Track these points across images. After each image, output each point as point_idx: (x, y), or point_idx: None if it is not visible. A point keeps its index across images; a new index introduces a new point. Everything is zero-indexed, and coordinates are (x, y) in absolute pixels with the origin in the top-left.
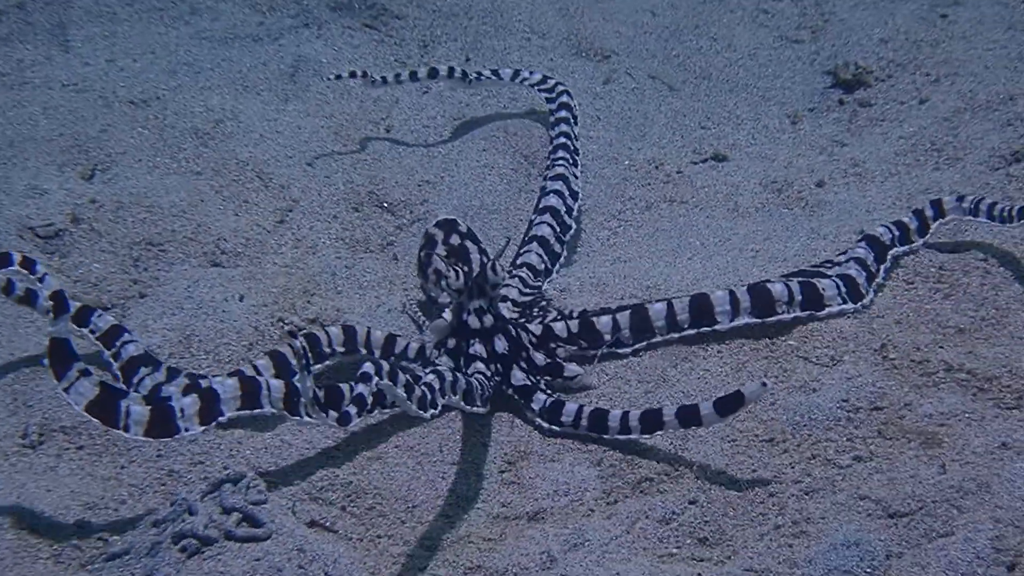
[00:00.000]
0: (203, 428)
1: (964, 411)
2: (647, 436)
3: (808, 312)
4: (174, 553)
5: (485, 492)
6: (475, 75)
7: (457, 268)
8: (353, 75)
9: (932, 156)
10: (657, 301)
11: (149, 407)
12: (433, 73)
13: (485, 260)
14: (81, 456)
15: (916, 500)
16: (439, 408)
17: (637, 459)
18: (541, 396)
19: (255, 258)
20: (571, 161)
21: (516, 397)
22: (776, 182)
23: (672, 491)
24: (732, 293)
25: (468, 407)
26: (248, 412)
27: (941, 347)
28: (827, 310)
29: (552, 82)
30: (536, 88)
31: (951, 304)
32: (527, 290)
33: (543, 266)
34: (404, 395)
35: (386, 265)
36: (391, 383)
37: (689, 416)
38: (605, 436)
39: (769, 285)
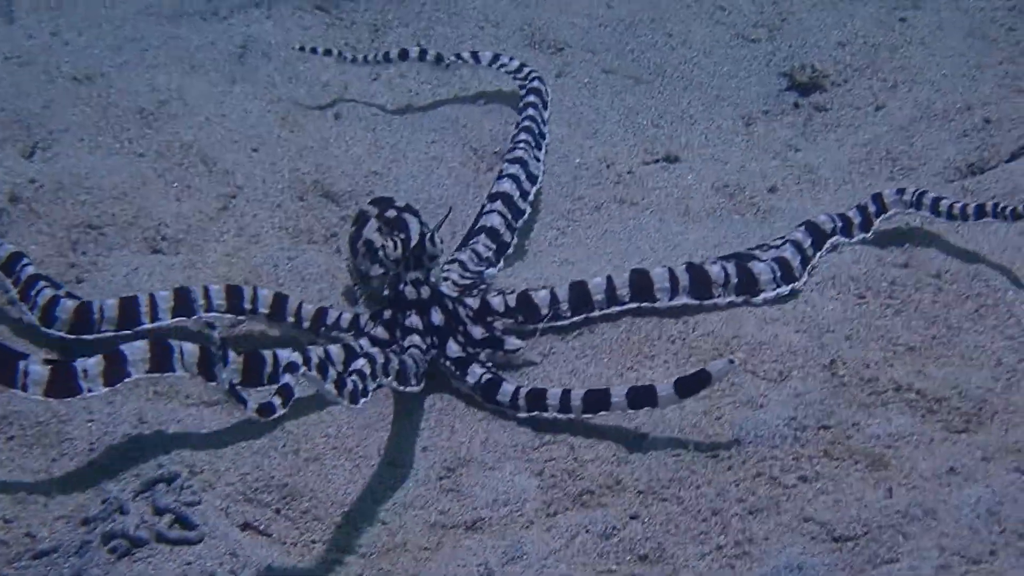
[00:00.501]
0: (108, 389)
1: (912, 433)
2: (589, 415)
3: (743, 297)
4: (103, 553)
5: (423, 499)
6: (452, 57)
7: (394, 238)
8: (328, 53)
9: (887, 165)
10: (596, 276)
11: (49, 367)
12: (404, 54)
13: (424, 230)
14: (11, 447)
15: (861, 524)
16: (369, 396)
17: (579, 470)
18: (477, 370)
19: (196, 246)
20: (533, 144)
21: (453, 368)
22: (728, 186)
23: (614, 505)
24: (671, 271)
25: (401, 387)
26: (159, 375)
27: (891, 365)
28: (762, 295)
29: (527, 69)
30: (512, 75)
31: (902, 321)
32: (467, 274)
33: (488, 254)
34: (333, 391)
35: (329, 257)
36: (319, 376)
37: (641, 396)
38: (544, 415)
39: (708, 266)
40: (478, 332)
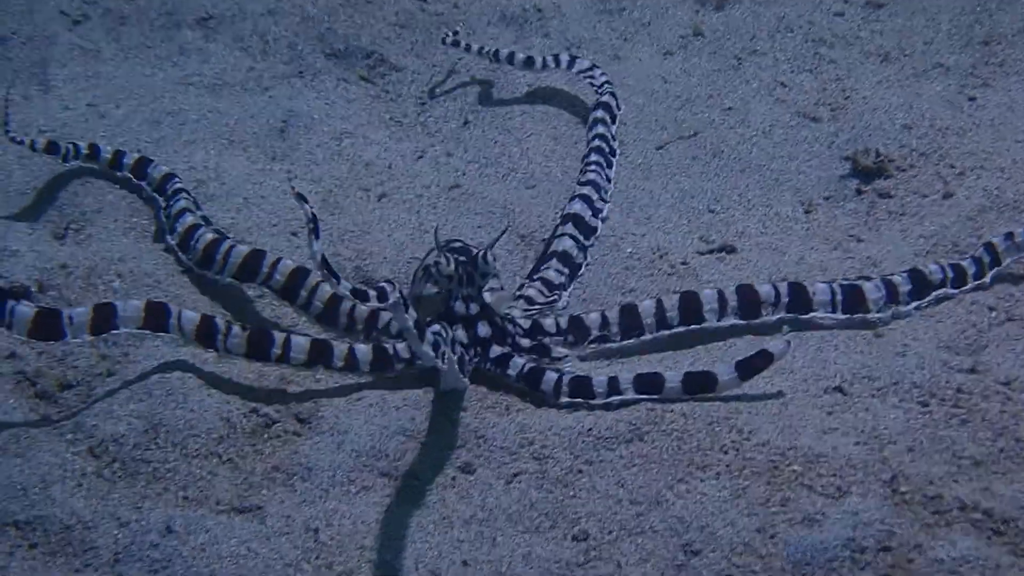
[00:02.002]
0: (93, 337)
1: (977, 557)
2: (643, 396)
3: (792, 315)
4: None
5: None
6: (542, 61)
7: (450, 256)
8: (468, 48)
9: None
10: (646, 299)
11: (35, 309)
12: (511, 58)
13: (479, 250)
14: (34, 555)
15: None
16: (444, 359)
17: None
18: (518, 361)
19: None
20: (605, 164)
21: (495, 370)
22: (786, 280)
23: None
24: (720, 292)
25: (459, 372)
26: (151, 332)
27: (955, 481)
28: (811, 314)
29: (601, 76)
30: (583, 76)
31: (968, 432)
32: (533, 308)
33: (561, 279)
34: (414, 329)
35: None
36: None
37: (699, 381)
38: (592, 401)
39: (756, 285)
40: (527, 343)
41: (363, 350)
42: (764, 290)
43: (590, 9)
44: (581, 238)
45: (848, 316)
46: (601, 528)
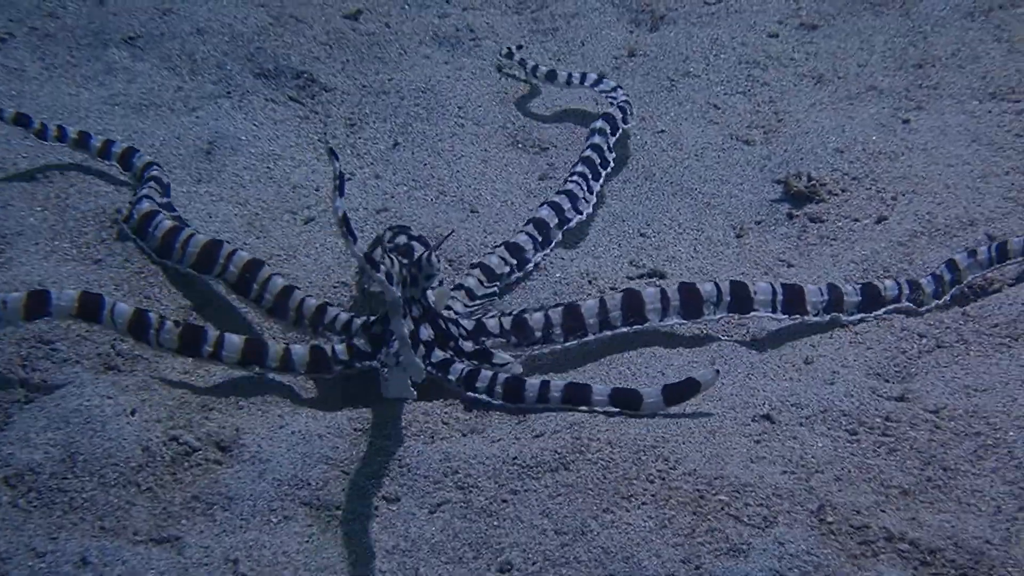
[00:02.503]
0: (26, 322)
1: None
2: (567, 408)
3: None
4: None
5: None
6: (567, 77)
7: (394, 257)
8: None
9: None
10: (589, 298)
11: None
12: (552, 76)
13: (424, 252)
14: None
15: None
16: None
17: None
18: (459, 366)
19: (153, 362)
20: (592, 175)
21: (436, 373)
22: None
23: None
24: (663, 290)
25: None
26: (84, 321)
27: (883, 511)
28: (752, 313)
29: (622, 96)
30: (605, 95)
31: (896, 461)
32: (472, 303)
33: (504, 269)
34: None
35: (293, 378)
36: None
37: (625, 398)
38: (521, 405)
39: (698, 284)
40: (469, 346)
41: (300, 351)
42: (706, 289)
43: (523, 29)
44: (539, 238)
45: (787, 316)
46: (525, 559)
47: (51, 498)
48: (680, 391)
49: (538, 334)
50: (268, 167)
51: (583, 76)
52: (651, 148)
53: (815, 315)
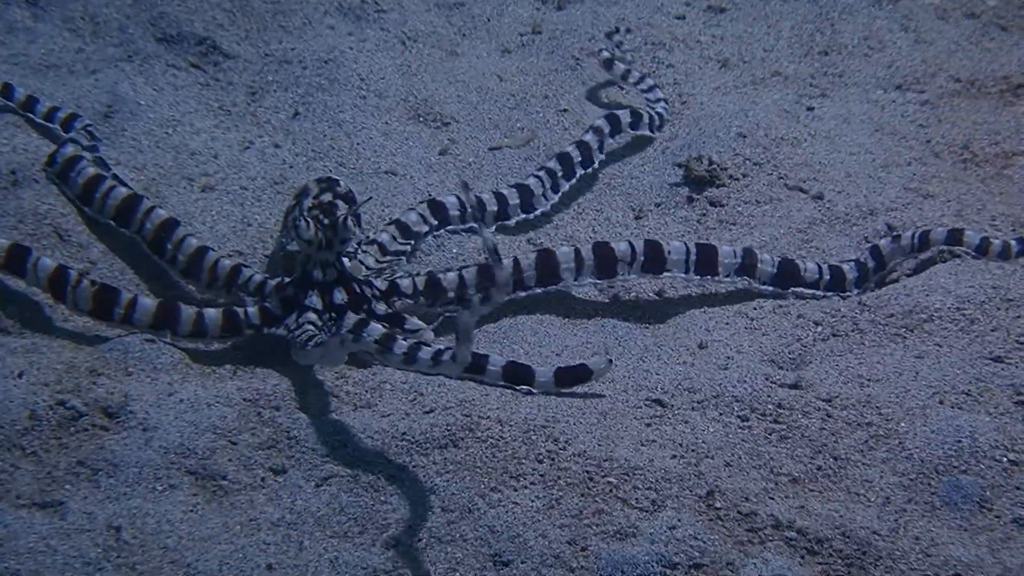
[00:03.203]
0: None
1: None
2: (455, 376)
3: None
4: None
5: None
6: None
7: (311, 219)
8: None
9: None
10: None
11: None
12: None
13: (340, 215)
14: None
15: None
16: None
17: None
18: (375, 327)
19: (42, 325)
20: (562, 173)
21: (351, 336)
22: (614, 287)
23: None
24: (577, 250)
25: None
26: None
27: (772, 498)
28: (665, 274)
29: (661, 103)
30: (644, 94)
31: (787, 449)
32: (384, 259)
33: (421, 228)
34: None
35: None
36: None
37: (520, 373)
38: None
39: (613, 243)
40: (381, 309)
41: (212, 315)
42: (620, 248)
43: (429, 3)
44: (469, 209)
45: (700, 277)
46: (411, 535)
47: None
48: (572, 375)
49: (451, 294)
50: (167, 132)
51: (642, 77)
52: (553, 126)
53: (726, 276)
